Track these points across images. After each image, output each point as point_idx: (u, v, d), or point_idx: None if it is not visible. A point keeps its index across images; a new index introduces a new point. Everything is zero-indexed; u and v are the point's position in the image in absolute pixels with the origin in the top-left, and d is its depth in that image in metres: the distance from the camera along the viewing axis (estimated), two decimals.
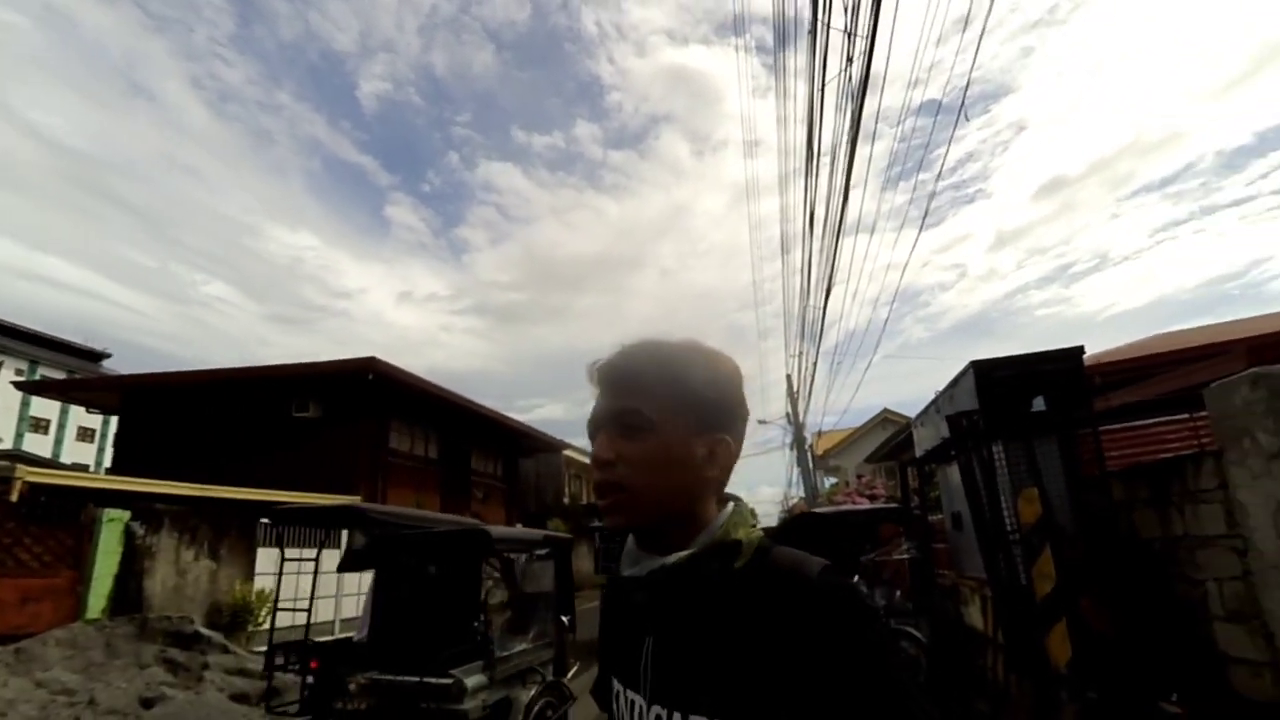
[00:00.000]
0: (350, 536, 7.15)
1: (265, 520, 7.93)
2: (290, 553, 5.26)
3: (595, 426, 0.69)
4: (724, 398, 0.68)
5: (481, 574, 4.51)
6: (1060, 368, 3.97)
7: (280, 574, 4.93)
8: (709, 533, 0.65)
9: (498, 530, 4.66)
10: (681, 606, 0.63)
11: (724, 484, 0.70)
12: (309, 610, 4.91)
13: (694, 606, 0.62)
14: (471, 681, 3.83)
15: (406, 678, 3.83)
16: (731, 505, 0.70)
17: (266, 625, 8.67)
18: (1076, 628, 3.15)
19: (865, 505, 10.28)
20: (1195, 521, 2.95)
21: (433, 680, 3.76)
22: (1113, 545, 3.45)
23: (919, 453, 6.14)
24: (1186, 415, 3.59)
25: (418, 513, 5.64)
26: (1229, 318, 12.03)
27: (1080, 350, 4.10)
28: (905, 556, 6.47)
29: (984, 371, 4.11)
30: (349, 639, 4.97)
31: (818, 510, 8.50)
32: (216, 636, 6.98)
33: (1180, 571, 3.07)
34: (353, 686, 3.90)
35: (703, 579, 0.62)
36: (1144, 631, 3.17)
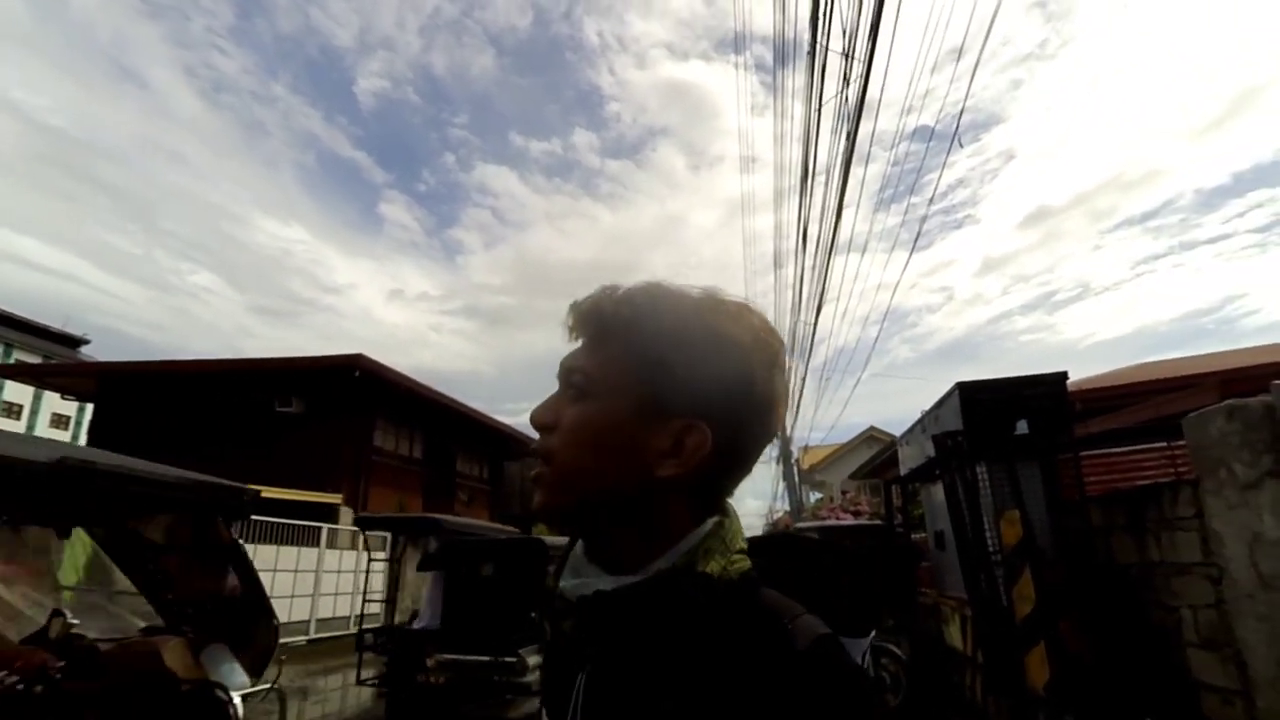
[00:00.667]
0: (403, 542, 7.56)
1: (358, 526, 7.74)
2: (287, 551, 6.02)
3: (558, 381, 0.56)
4: (715, 369, 0.49)
5: (536, 574, 5.42)
6: (1044, 392, 4.03)
7: (368, 571, 7.04)
8: (672, 557, 0.49)
9: (550, 540, 5.80)
10: (623, 643, 0.48)
11: (711, 488, 0.52)
12: (393, 601, 6.65)
13: (639, 648, 0.47)
14: (532, 660, 4.83)
15: (478, 657, 4.86)
16: (713, 522, 0.52)
17: None
18: (1055, 650, 3.18)
19: (849, 521, 10.33)
20: (1171, 549, 3.00)
21: (501, 659, 4.80)
22: (1091, 570, 3.49)
23: (904, 471, 6.19)
24: (1164, 444, 3.66)
25: (479, 523, 7.03)
26: (1204, 350, 12.31)
27: (1064, 376, 4.18)
28: None
29: (969, 393, 4.17)
30: (412, 628, 5.90)
31: (802, 528, 8.50)
32: None
33: (1156, 598, 3.12)
34: (431, 664, 4.90)
35: (651, 619, 0.47)
36: (1120, 656, 3.21)
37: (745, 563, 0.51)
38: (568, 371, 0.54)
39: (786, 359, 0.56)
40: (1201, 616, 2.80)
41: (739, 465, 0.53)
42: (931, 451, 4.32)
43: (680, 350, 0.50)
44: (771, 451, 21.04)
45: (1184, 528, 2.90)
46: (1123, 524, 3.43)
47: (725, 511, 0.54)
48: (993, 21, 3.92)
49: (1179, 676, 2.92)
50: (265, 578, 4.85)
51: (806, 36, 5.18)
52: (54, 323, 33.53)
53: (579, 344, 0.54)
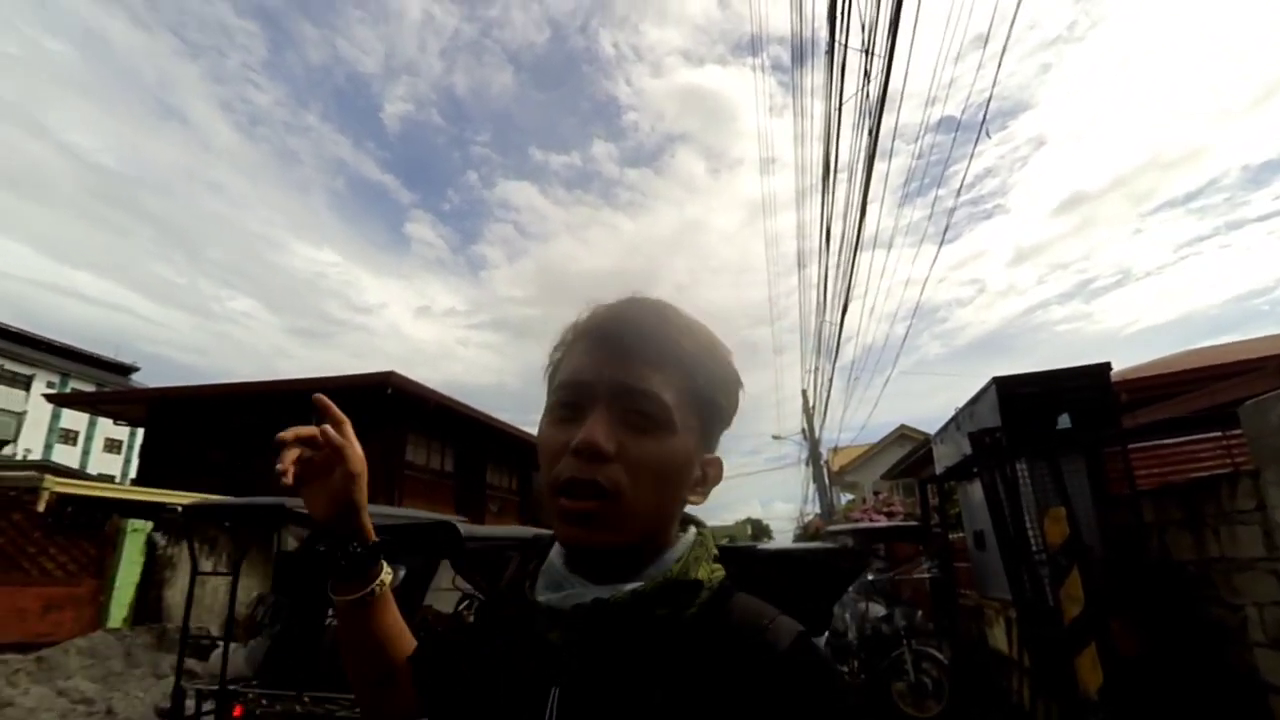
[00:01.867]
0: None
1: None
2: None
3: (584, 392, 0.50)
4: (733, 411, 0.56)
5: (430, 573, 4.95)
6: (1086, 384, 3.88)
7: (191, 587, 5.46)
8: (662, 565, 0.51)
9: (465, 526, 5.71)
10: (610, 655, 0.48)
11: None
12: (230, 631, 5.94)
13: (626, 658, 0.48)
14: None
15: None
16: (693, 533, 0.55)
17: None
18: (1107, 652, 3.04)
19: (882, 522, 10.09)
20: (1232, 543, 2.84)
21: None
22: (1143, 567, 3.34)
23: (939, 470, 6.03)
24: (1219, 433, 3.48)
25: (502, 529, 7.02)
26: (1258, 334, 11.69)
27: (1107, 367, 4.02)
28: (926, 575, 6.33)
29: (1007, 388, 4.04)
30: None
31: (834, 531, 8.34)
32: None
33: (1216, 595, 2.96)
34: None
35: (643, 625, 0.48)
36: (1178, 657, 3.05)
37: (722, 570, 0.54)
38: (634, 394, 0.48)
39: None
40: (1269, 614, 2.64)
41: None
42: (968, 449, 4.19)
43: (720, 390, 0.54)
44: (801, 453, 20.76)
45: (1245, 521, 2.75)
46: (1178, 519, 3.26)
47: (700, 523, 0.58)
48: (1018, 6, 3.82)
49: (1244, 678, 2.76)
50: None
51: (824, 34, 5.15)
52: (106, 352, 35.20)
53: (618, 357, 0.49)
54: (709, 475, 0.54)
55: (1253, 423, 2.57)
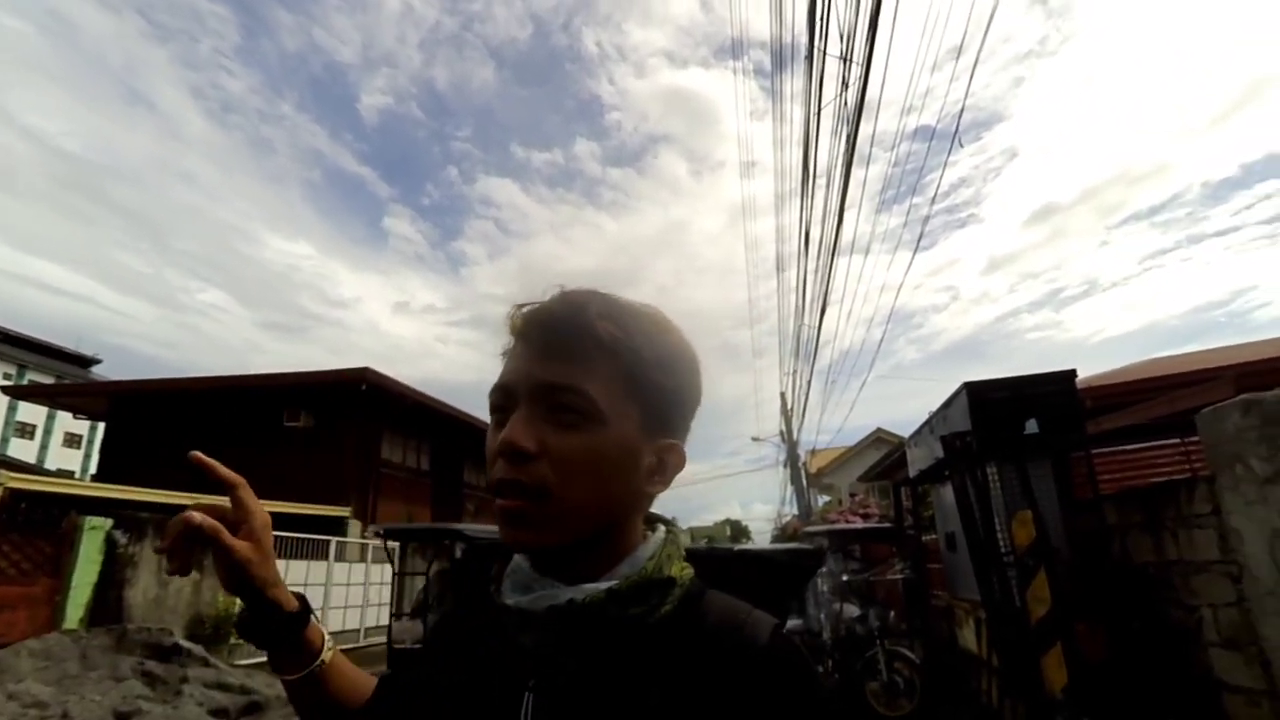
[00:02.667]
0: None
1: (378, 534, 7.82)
2: (297, 564, 5.86)
3: (508, 395, 0.50)
4: (686, 393, 0.53)
5: None
6: (1053, 390, 3.99)
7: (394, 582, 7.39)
8: (633, 563, 0.50)
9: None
10: (584, 656, 0.48)
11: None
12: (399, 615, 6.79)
13: (601, 658, 0.47)
14: None
15: None
16: (663, 531, 0.55)
17: None
18: (1072, 652, 3.13)
19: (858, 524, 10.24)
20: (1189, 546, 2.95)
21: None
22: (1107, 569, 3.44)
23: (912, 473, 6.14)
24: (1178, 440, 3.61)
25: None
26: (1216, 344, 12.18)
27: (1073, 374, 4.13)
28: (899, 576, 6.44)
29: (977, 393, 4.13)
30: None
31: (811, 532, 8.44)
32: (197, 649, 6.81)
33: (1175, 597, 3.06)
34: None
35: (619, 624, 0.48)
36: (1139, 657, 3.15)
37: (691, 569, 0.54)
38: (553, 390, 0.48)
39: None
40: (1223, 615, 2.75)
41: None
42: (940, 452, 4.28)
43: (663, 371, 0.51)
44: (779, 455, 20.96)
45: (1202, 525, 2.85)
46: (1139, 522, 3.37)
47: (668, 522, 0.58)
48: (991, 19, 3.92)
49: (1201, 677, 2.86)
50: None
51: (805, 41, 5.20)
52: (67, 343, 33.95)
53: (537, 356, 0.49)
54: (667, 462, 0.52)
55: (1209, 430, 2.66)
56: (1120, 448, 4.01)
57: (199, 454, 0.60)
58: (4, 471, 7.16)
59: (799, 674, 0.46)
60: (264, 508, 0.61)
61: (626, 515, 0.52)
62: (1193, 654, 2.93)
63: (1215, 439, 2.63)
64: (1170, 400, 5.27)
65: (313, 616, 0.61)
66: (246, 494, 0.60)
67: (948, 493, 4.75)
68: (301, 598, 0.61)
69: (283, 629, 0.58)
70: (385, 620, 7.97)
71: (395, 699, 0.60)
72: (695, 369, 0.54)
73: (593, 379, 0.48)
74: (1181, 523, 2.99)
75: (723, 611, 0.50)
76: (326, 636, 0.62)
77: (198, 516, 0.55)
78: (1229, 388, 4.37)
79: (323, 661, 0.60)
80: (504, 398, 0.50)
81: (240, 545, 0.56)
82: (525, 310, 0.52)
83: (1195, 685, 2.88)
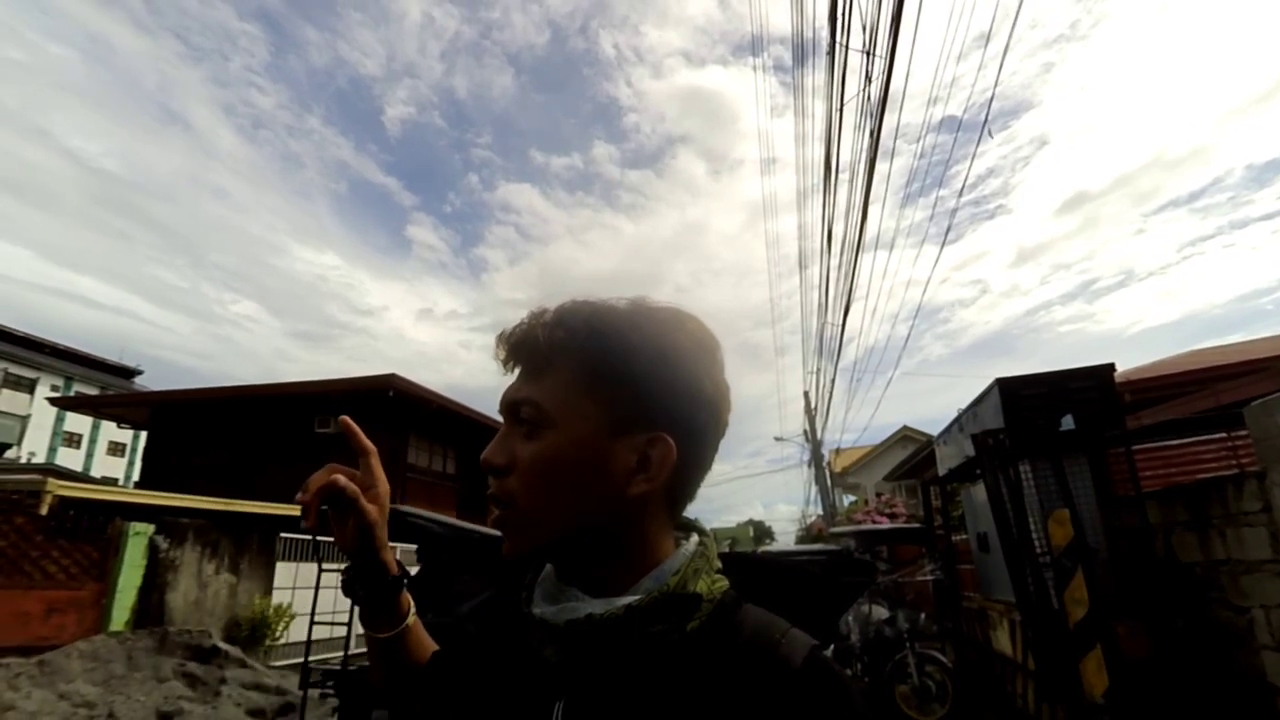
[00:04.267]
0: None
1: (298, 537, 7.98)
2: (328, 568, 5.51)
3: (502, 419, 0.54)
4: (667, 378, 0.49)
5: None
6: (1089, 385, 3.87)
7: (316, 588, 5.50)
8: (658, 578, 0.49)
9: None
10: (610, 671, 0.47)
11: (679, 499, 0.53)
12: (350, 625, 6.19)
13: (628, 674, 0.46)
14: None
15: None
16: (694, 540, 0.53)
17: (283, 640, 8.72)
18: (1113, 655, 3.02)
19: (885, 524, 10.06)
20: (1238, 545, 2.83)
21: None
22: (1149, 569, 3.32)
23: (942, 471, 6.01)
24: (1224, 434, 3.46)
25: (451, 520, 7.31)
26: (1263, 333, 11.65)
27: (1110, 367, 4.00)
28: (929, 578, 6.31)
29: (1010, 389, 4.03)
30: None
31: (837, 533, 8.32)
32: (234, 651, 7.02)
33: (1223, 597, 2.94)
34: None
35: (643, 641, 0.46)
36: (1184, 660, 3.03)
37: (725, 581, 0.52)
38: (512, 405, 0.51)
39: (723, 357, 0.55)
40: (1275, 617, 2.62)
41: (700, 468, 0.53)
42: (971, 451, 4.18)
43: (627, 364, 0.49)
44: (803, 455, 20.73)
45: (1251, 523, 2.73)
46: (1184, 520, 3.25)
47: (703, 530, 0.55)
48: (1020, 5, 3.82)
49: (1252, 681, 2.74)
50: (304, 596, 4.96)
51: (825, 35, 5.15)
52: (110, 355, 35.28)
53: (515, 376, 0.53)
54: (651, 457, 0.49)
55: (1259, 423, 2.55)
56: (1162, 443, 3.86)
57: (348, 419, 0.65)
58: (53, 480, 7.48)
59: (835, 701, 0.44)
60: (295, 513, 0.66)
61: (623, 519, 0.50)
62: (1243, 657, 2.80)
63: (1265, 433, 2.52)
64: (1215, 393, 5.06)
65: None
66: (376, 462, 0.65)
67: (979, 492, 4.64)
68: (400, 564, 0.66)
69: (387, 589, 0.63)
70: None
71: (445, 678, 0.64)
72: (688, 359, 0.50)
73: (542, 387, 0.50)
74: (1229, 520, 2.87)
75: (756, 628, 0.48)
76: (411, 602, 0.67)
77: (343, 479, 0.58)
78: (1278, 379, 4.18)
79: (408, 625, 0.66)
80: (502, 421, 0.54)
81: (371, 509, 0.61)
82: (503, 335, 0.54)
83: (1245, 689, 2.76)
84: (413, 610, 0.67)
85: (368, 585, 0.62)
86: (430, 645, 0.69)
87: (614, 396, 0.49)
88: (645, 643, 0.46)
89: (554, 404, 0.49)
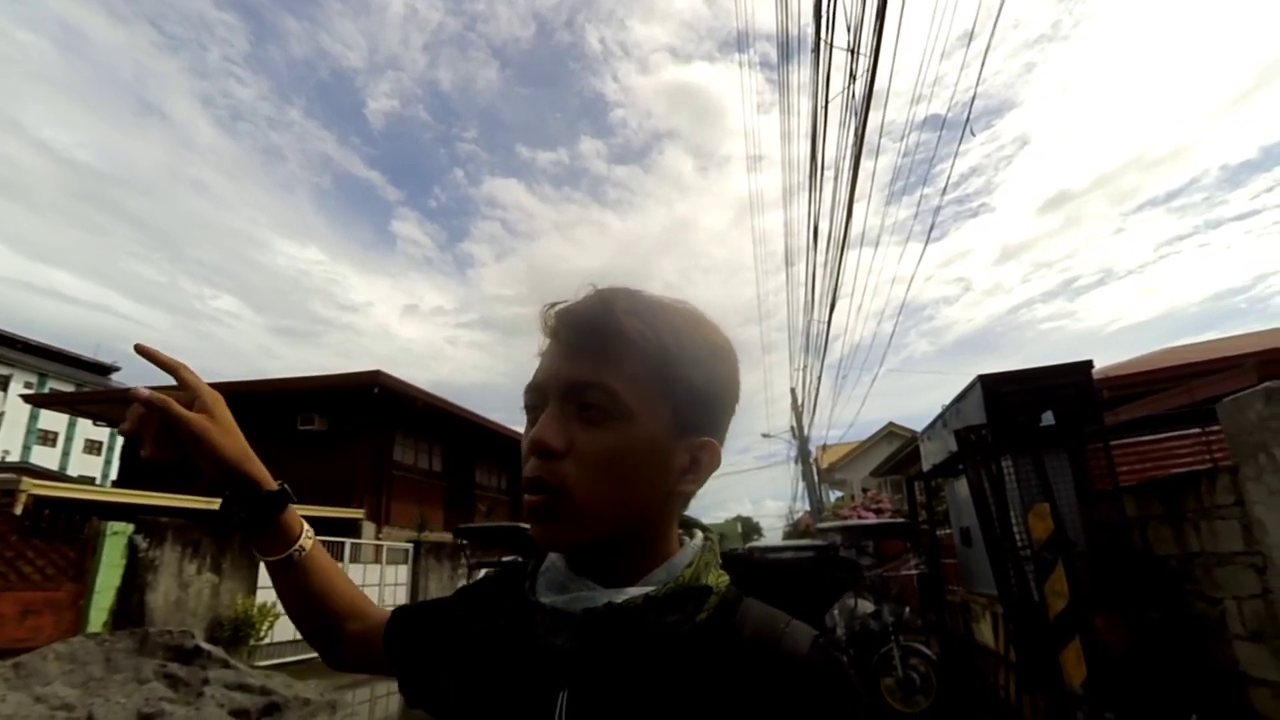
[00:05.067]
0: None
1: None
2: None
3: (540, 394, 0.50)
4: (721, 388, 0.52)
5: None
6: (1069, 382, 3.94)
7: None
8: (671, 570, 0.50)
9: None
10: (620, 661, 0.47)
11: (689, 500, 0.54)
12: None
13: (637, 664, 0.47)
14: None
15: None
16: (700, 537, 0.55)
17: (268, 640, 8.62)
18: (1092, 646, 3.09)
19: (870, 519, 10.18)
20: (1212, 538, 2.90)
21: None
22: (1127, 562, 3.39)
23: (926, 467, 6.09)
24: (1199, 430, 3.54)
25: None
26: (1236, 331, 11.93)
27: (1089, 364, 4.08)
28: (913, 572, 6.39)
29: (991, 386, 4.09)
30: None
31: (824, 528, 8.40)
32: (217, 651, 6.92)
33: (1198, 589, 3.01)
34: None
35: (654, 632, 0.47)
36: (1161, 650, 3.10)
37: (727, 576, 0.53)
38: (578, 387, 0.48)
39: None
40: (1247, 608, 2.70)
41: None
42: (954, 446, 4.24)
43: (695, 367, 0.49)
44: (790, 451, 20.89)
45: (1224, 516, 2.80)
46: (1159, 514, 3.32)
47: (705, 527, 0.57)
48: (1002, 4, 3.86)
49: (1225, 671, 2.81)
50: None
51: (810, 31, 5.16)
52: (85, 351, 34.52)
53: (566, 354, 0.49)
54: (701, 461, 0.50)
55: (1231, 419, 2.61)
56: (1139, 439, 3.94)
57: (143, 344, 0.61)
58: (27, 479, 7.30)
59: (839, 688, 0.45)
60: (212, 388, 0.62)
61: (656, 515, 0.51)
62: (1217, 647, 2.88)
63: (1238, 428, 2.58)
64: (1190, 389, 5.18)
65: (291, 505, 0.64)
66: (188, 373, 0.62)
67: (962, 487, 4.71)
68: (282, 483, 0.63)
69: (260, 506, 0.61)
70: None
71: (419, 645, 0.61)
72: (731, 365, 0.53)
73: (620, 375, 0.47)
74: (1203, 514, 2.94)
75: (760, 621, 0.49)
76: (307, 526, 0.64)
77: (144, 391, 0.57)
78: (1251, 376, 4.29)
79: (302, 548, 0.63)
80: (536, 397, 0.50)
81: (193, 416, 0.58)
82: (556, 309, 0.51)
83: (1219, 678, 2.83)
84: (307, 532, 0.65)
85: (243, 503, 0.60)
86: (342, 577, 0.67)
87: (681, 398, 0.49)
88: (658, 632, 0.47)
89: (632, 395, 0.47)
